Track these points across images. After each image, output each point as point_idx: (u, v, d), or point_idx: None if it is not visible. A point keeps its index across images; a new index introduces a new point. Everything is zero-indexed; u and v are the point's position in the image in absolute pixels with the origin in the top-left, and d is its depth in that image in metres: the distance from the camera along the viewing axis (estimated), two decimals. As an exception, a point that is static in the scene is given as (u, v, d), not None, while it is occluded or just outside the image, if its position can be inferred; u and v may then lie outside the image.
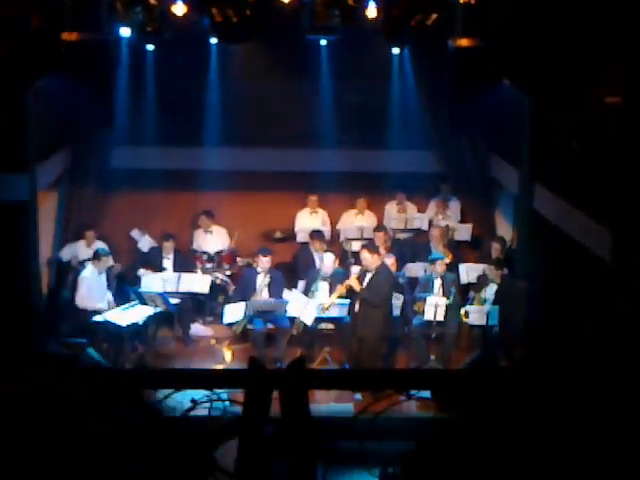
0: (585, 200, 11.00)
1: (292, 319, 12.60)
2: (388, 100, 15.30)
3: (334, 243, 15.09)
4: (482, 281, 13.17)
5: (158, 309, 12.67)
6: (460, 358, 12.59)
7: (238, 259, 14.86)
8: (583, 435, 4.35)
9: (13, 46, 11.32)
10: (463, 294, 13.10)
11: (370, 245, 13.06)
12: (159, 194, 15.43)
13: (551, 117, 12.25)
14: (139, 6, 12.09)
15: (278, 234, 15.50)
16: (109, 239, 14.67)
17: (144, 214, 15.31)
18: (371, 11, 12.61)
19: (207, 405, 4.79)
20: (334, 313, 12.45)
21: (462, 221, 15.55)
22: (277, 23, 13.30)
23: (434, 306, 12.35)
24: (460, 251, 14.88)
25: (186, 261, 14.23)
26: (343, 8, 12.19)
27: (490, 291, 12.97)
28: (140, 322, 12.39)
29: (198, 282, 13.56)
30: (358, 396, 11.35)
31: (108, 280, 13.21)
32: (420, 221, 15.26)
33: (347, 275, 13.10)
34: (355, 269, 13.01)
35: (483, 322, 12.47)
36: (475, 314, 12.55)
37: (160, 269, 13.81)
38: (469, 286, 13.44)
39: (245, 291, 13.14)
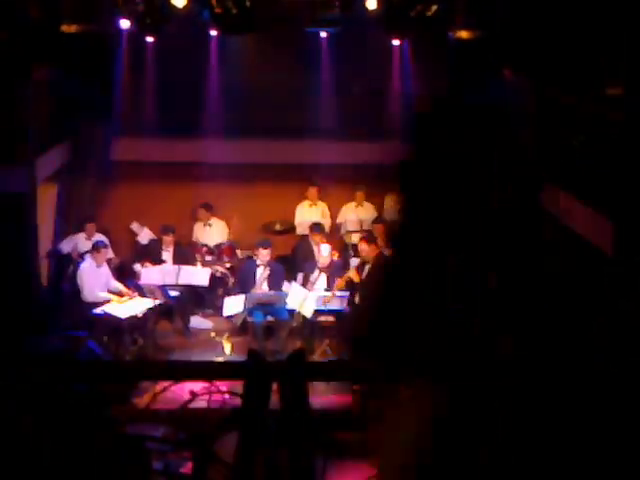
0: (588, 192, 10.98)
1: (292, 311, 12.59)
2: (389, 91, 15.27)
3: (334, 235, 15.06)
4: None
5: (158, 302, 12.67)
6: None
7: (238, 251, 14.86)
8: (577, 425, 4.34)
9: (12, 38, 11.29)
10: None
11: (368, 236, 13.04)
12: (159, 186, 15.41)
13: (553, 108, 12.23)
14: (139, -2, 12.10)
15: (278, 226, 15.48)
16: (109, 231, 14.65)
17: (144, 206, 15.29)
18: (371, 2, 12.58)
19: (206, 397, 4.79)
20: (334, 305, 12.43)
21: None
22: (277, 15, 13.28)
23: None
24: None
25: (186, 254, 14.21)
26: (343, -1, 12.20)
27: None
28: (140, 315, 12.39)
29: (198, 275, 13.54)
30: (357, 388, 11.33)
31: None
32: (420, 213, 15.24)
33: (346, 267, 13.10)
34: (354, 261, 12.99)
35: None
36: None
37: (160, 262, 13.79)
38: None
39: (245, 283, 13.13)
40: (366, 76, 15.18)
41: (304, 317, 12.42)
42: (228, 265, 14.57)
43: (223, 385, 4.70)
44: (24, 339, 11.14)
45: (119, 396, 10.39)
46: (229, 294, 13.28)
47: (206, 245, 14.68)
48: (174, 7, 12.52)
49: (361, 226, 14.83)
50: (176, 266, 13.48)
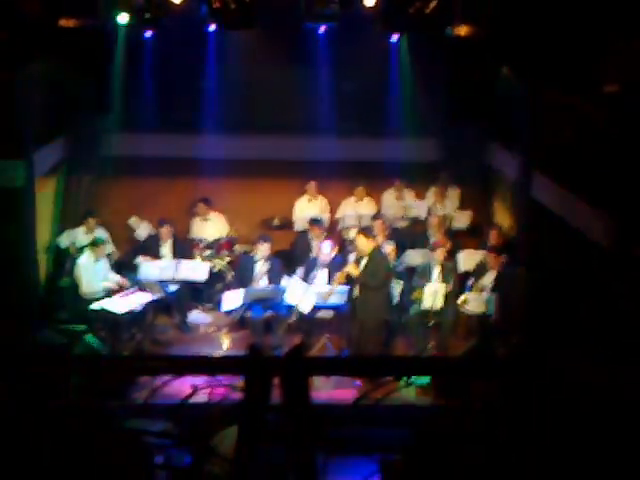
0: (584, 187, 11.00)
1: (290, 306, 12.59)
2: (386, 88, 15.28)
3: (333, 231, 15.07)
4: (480, 269, 13.15)
5: (156, 296, 12.66)
6: (458, 346, 12.59)
7: (236, 246, 14.86)
8: (582, 422, 4.35)
9: (10, 32, 11.28)
10: (461, 282, 13.07)
11: (366, 230, 13.03)
12: (157, 181, 15.40)
13: (550, 104, 12.24)
14: (137, -8, 12.10)
15: (276, 221, 15.49)
16: (107, 226, 14.64)
17: (142, 201, 15.28)
18: (369, -1, 12.60)
19: (206, 392, 4.79)
20: (333, 301, 12.44)
21: (461, 209, 15.53)
22: (275, 10, 13.28)
23: (432, 294, 12.34)
24: (458, 239, 14.84)
25: (184, 248, 14.19)
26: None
27: (488, 279, 12.95)
28: (138, 309, 12.38)
29: (196, 269, 13.53)
30: (358, 383, 11.37)
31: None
32: (418, 209, 15.23)
33: (345, 263, 13.10)
34: (353, 256, 12.99)
35: (481, 310, 12.47)
36: (473, 302, 12.55)
37: (158, 257, 13.78)
38: (467, 274, 13.41)
39: (243, 278, 13.13)
40: (364, 72, 15.18)
41: (303, 312, 12.42)
42: (227, 260, 14.56)
43: (223, 379, 4.70)
44: (23, 334, 11.15)
45: (118, 391, 10.42)
46: (228, 289, 13.27)
47: (204, 240, 14.67)
48: (172, 2, 12.53)
49: (360, 222, 14.83)
50: (175, 261, 13.47)
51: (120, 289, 12.64)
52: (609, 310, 10.02)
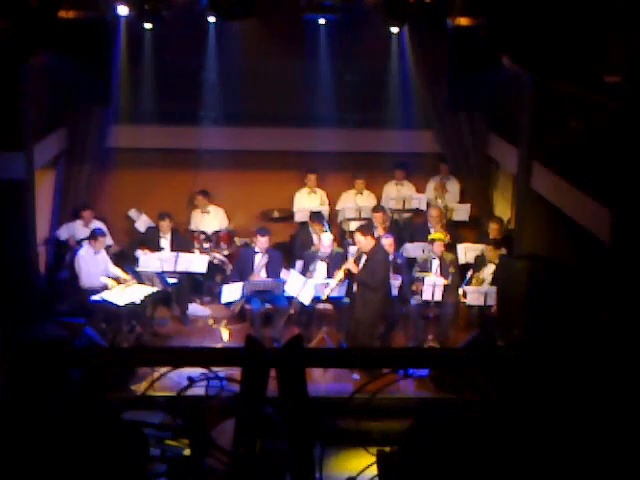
0: (584, 180, 10.98)
1: (290, 299, 12.59)
2: (387, 79, 15.24)
3: (333, 223, 15.06)
4: (480, 261, 13.17)
5: (156, 289, 12.66)
6: (458, 338, 12.60)
7: (236, 239, 14.86)
8: (584, 416, 4.34)
9: (10, 23, 11.25)
10: (461, 274, 13.07)
11: (364, 227, 13.02)
12: (157, 173, 15.38)
13: (551, 95, 12.21)
14: (137, -16, 12.07)
15: (276, 214, 15.48)
16: (106, 218, 14.64)
17: (142, 193, 15.27)
18: (370, -11, 12.56)
19: (204, 383, 4.78)
20: (333, 293, 12.44)
21: (460, 201, 15.52)
22: (276, 1, 13.25)
23: (432, 286, 12.35)
24: (458, 231, 14.85)
25: (184, 241, 14.20)
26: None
27: (488, 271, 12.97)
28: (138, 302, 12.38)
29: (196, 262, 13.53)
30: (356, 375, 11.37)
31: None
32: (419, 201, 15.22)
33: (345, 255, 13.09)
34: (353, 249, 12.99)
35: (481, 302, 12.48)
36: (473, 294, 12.56)
37: (157, 249, 13.77)
38: (467, 266, 13.41)
39: (243, 271, 13.13)
40: (364, 63, 15.15)
41: (302, 304, 12.42)
42: (226, 252, 14.56)
43: (221, 372, 4.69)
44: (22, 326, 11.16)
45: (117, 382, 10.43)
46: (227, 281, 13.27)
47: (204, 232, 14.66)
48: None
49: (360, 214, 14.82)
50: (174, 253, 13.46)
51: (120, 283, 12.65)
52: (608, 304, 10.01)
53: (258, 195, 15.52)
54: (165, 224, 13.93)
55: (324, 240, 13.00)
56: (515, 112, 13.49)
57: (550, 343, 10.21)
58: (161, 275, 12.85)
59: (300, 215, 14.99)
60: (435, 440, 4.23)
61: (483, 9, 12.38)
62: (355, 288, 12.20)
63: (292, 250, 14.41)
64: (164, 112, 15.05)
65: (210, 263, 13.86)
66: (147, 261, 13.25)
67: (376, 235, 13.10)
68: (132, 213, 15.17)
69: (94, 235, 12.95)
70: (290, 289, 12.50)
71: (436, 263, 12.82)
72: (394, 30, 14.12)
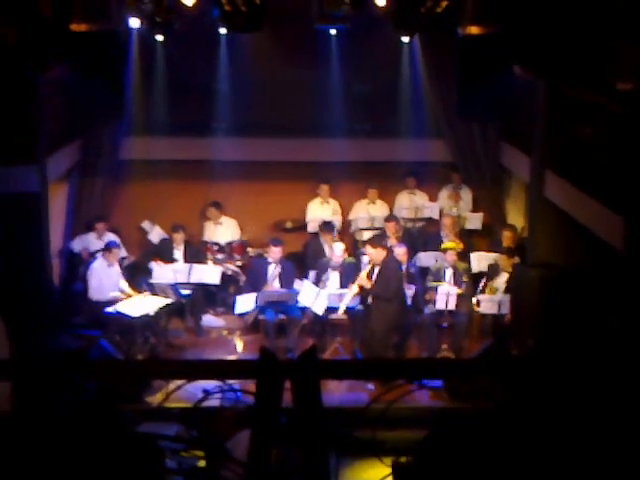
0: (597, 187, 10.96)
1: (303, 309, 12.60)
2: (398, 89, 15.25)
3: (345, 233, 15.07)
4: (493, 270, 13.15)
5: (169, 300, 12.68)
6: (472, 347, 12.59)
7: (249, 249, 14.88)
8: (600, 426, 4.33)
9: (23, 36, 11.30)
10: (475, 283, 13.06)
11: (374, 239, 13.04)
12: (170, 185, 15.41)
13: (563, 103, 12.20)
14: (148, -4, 12.10)
15: (289, 224, 15.50)
16: (120, 230, 14.68)
17: (155, 205, 15.30)
18: (380, -1, 12.57)
19: (219, 395, 4.79)
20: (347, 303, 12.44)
21: (473, 210, 15.50)
22: (287, 12, 13.28)
23: (445, 295, 12.34)
24: (471, 240, 14.83)
25: (197, 252, 14.22)
26: (353, -4, 12.18)
27: (501, 280, 12.95)
28: (152, 313, 12.40)
29: (209, 273, 13.57)
30: (370, 385, 11.36)
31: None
32: (431, 210, 15.21)
33: (358, 265, 13.09)
34: (366, 259, 12.99)
35: (495, 311, 12.46)
36: (487, 303, 12.54)
37: (171, 260, 13.80)
38: (480, 275, 13.39)
39: (256, 281, 13.15)
40: (376, 73, 15.15)
41: (316, 315, 12.42)
42: (239, 263, 14.58)
43: (236, 383, 4.71)
44: (37, 338, 11.18)
45: (132, 395, 10.45)
46: (240, 292, 13.29)
47: (217, 243, 14.68)
48: (184, 5, 12.52)
49: (373, 223, 14.82)
50: (187, 264, 13.50)
51: (129, 297, 12.69)
52: (622, 311, 9.98)
53: (270, 206, 15.54)
54: (179, 236, 13.98)
55: (336, 249, 13.02)
56: (527, 120, 13.48)
57: (564, 351, 10.18)
58: (175, 286, 12.88)
59: (313, 225, 15.01)
60: (450, 450, 4.23)
61: (494, 17, 12.37)
62: (370, 299, 12.21)
63: (305, 260, 14.42)
64: (176, 124, 15.08)
65: (223, 274, 13.89)
66: (161, 273, 13.29)
67: (389, 245, 13.11)
68: (145, 225, 15.20)
69: (108, 248, 12.99)
70: (303, 299, 12.51)
71: (449, 272, 12.81)
72: (405, 39, 14.13)
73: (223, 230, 15.00)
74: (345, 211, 15.54)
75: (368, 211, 15.25)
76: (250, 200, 15.48)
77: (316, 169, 15.59)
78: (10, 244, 11.78)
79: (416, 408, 10.07)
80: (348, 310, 12.51)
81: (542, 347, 11.41)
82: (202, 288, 13.69)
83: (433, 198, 15.64)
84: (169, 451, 4.74)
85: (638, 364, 4.67)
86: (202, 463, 4.84)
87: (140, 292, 12.79)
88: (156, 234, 14.97)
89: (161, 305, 12.54)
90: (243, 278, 14.24)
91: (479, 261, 13.70)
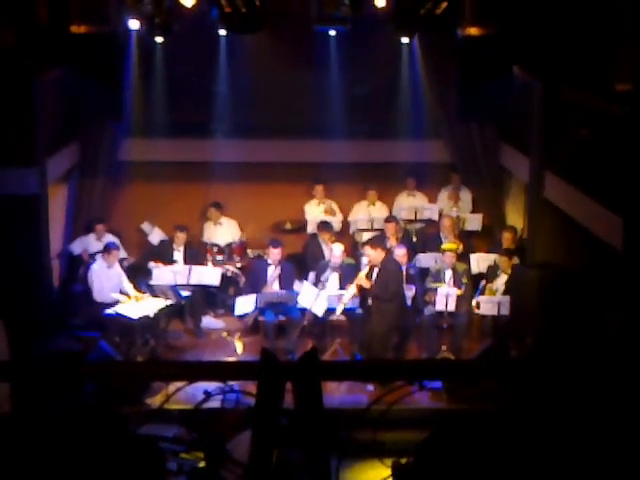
0: (597, 188, 10.97)
1: (303, 310, 12.60)
2: (397, 90, 15.25)
3: (345, 234, 15.07)
4: (493, 271, 13.14)
5: (169, 302, 12.68)
6: (472, 348, 12.59)
7: (248, 251, 14.87)
8: (600, 425, 4.33)
9: (21, 38, 11.31)
10: (474, 284, 13.06)
11: (373, 240, 13.04)
12: (169, 186, 15.41)
13: (562, 104, 12.21)
14: (147, -2, 12.11)
15: (288, 225, 15.49)
16: (119, 232, 14.67)
17: (154, 206, 15.29)
18: (380, 0, 12.57)
19: (220, 397, 4.79)
20: (346, 304, 12.44)
21: (473, 211, 15.50)
22: (286, 14, 13.28)
23: (445, 296, 12.34)
24: (471, 241, 14.84)
25: (196, 253, 14.21)
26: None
27: (501, 281, 12.94)
28: (151, 315, 12.40)
29: (209, 274, 13.56)
30: (370, 387, 11.37)
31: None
32: (430, 211, 15.20)
33: (357, 267, 13.09)
34: (365, 260, 12.99)
35: (494, 312, 12.46)
36: (486, 304, 12.53)
37: (171, 262, 13.80)
38: (480, 276, 13.39)
39: (256, 283, 13.14)
40: (375, 74, 15.15)
41: (315, 316, 12.43)
42: (239, 264, 14.58)
43: (236, 385, 4.71)
44: (36, 340, 11.19)
45: (132, 396, 10.45)
46: (240, 294, 13.29)
47: (217, 245, 14.68)
48: (183, 7, 12.53)
49: (372, 225, 14.81)
50: (187, 266, 13.49)
51: (131, 298, 12.69)
52: (621, 311, 9.99)
53: (270, 207, 15.53)
54: (181, 236, 13.95)
55: (335, 250, 13.01)
56: (526, 121, 13.49)
57: (564, 351, 10.19)
58: (174, 288, 12.88)
59: (312, 226, 15.00)
60: (450, 451, 4.23)
61: (493, 19, 12.39)
62: (370, 301, 12.22)
63: (304, 262, 14.42)
64: (176, 125, 15.08)
65: (223, 275, 13.89)
66: (160, 274, 13.29)
67: (388, 246, 13.11)
68: (145, 226, 15.20)
69: (107, 249, 12.99)
70: (303, 301, 12.51)
71: (449, 273, 12.82)
72: (404, 40, 14.13)
73: (223, 231, 15.00)
74: (345, 212, 15.54)
75: (368, 212, 15.24)
76: (249, 201, 15.48)
77: (315, 170, 15.59)
78: (10, 246, 11.80)
79: (416, 409, 10.08)
80: (347, 312, 12.51)
81: (542, 347, 11.42)
82: (202, 289, 13.68)
83: (432, 199, 15.64)
84: (170, 453, 4.75)
85: (637, 364, 4.68)
86: (203, 464, 4.85)
87: (141, 293, 12.81)
88: (156, 235, 14.96)
89: (161, 307, 12.54)
90: (243, 279, 14.24)
91: (479, 262, 13.70)
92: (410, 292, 12.59)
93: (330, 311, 12.43)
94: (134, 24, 12.82)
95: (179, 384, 4.70)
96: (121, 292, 12.80)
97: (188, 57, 14.53)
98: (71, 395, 4.72)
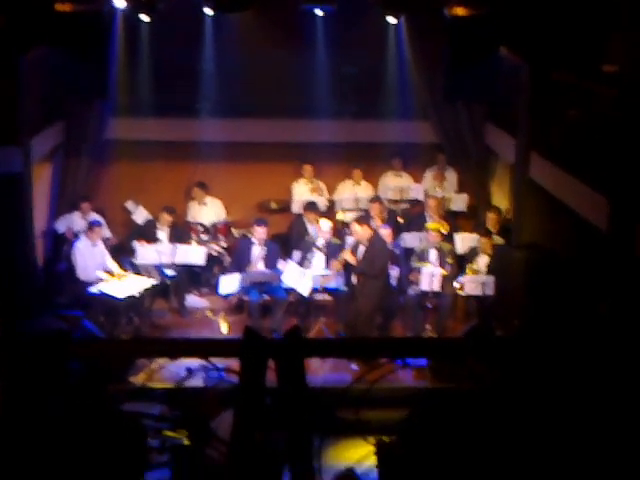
0: (582, 169, 10.98)
1: (288, 290, 12.60)
2: (384, 70, 15.21)
3: (330, 213, 15.05)
4: (473, 252, 13.15)
5: (154, 281, 12.66)
6: (456, 328, 12.61)
7: (233, 230, 14.85)
8: (582, 406, 4.34)
9: (5, 17, 11.23)
10: (459, 264, 13.06)
11: (360, 217, 13.03)
12: (154, 165, 15.36)
13: (549, 85, 12.20)
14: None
15: (274, 205, 15.47)
16: (104, 211, 14.63)
17: (140, 185, 15.25)
18: (367, -20, 12.53)
19: (203, 375, 4.79)
20: (331, 284, 12.46)
21: (458, 191, 15.49)
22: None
23: (430, 276, 12.34)
24: (456, 221, 14.83)
25: (181, 233, 14.17)
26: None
27: (483, 261, 12.95)
28: (136, 294, 12.38)
29: (193, 253, 13.53)
30: (354, 365, 11.38)
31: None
32: (416, 191, 15.19)
33: (342, 246, 13.08)
34: (350, 240, 12.99)
35: (479, 292, 12.45)
36: (470, 284, 12.52)
37: (155, 241, 13.75)
38: (465, 257, 13.40)
39: (240, 262, 13.13)
40: (362, 54, 15.10)
41: (300, 295, 12.42)
42: (224, 244, 14.55)
43: (219, 363, 4.70)
44: (20, 319, 11.15)
45: (115, 374, 10.43)
46: (225, 273, 13.27)
47: (201, 224, 14.64)
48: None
49: (357, 204, 14.80)
50: (172, 245, 13.46)
51: (115, 277, 12.66)
52: (607, 292, 10.02)
53: (255, 186, 15.50)
54: (167, 217, 13.87)
55: (322, 225, 13.00)
56: (513, 102, 13.48)
57: (548, 332, 10.21)
58: (159, 267, 12.85)
59: (297, 206, 14.96)
60: (433, 429, 4.24)
61: (480, -1, 12.36)
62: (355, 279, 12.22)
63: (290, 241, 14.40)
64: (161, 104, 15.00)
65: (208, 255, 13.86)
66: (145, 253, 13.24)
67: (373, 226, 13.10)
68: (129, 205, 15.15)
69: (91, 226, 12.95)
70: (288, 280, 12.51)
71: (434, 253, 12.81)
72: (392, 21, 14.07)
73: (207, 210, 14.96)
74: (331, 192, 15.52)
75: (353, 192, 15.22)
76: (235, 181, 15.44)
77: (301, 150, 15.55)
78: (-7, 224, 11.75)
79: (400, 388, 10.11)
80: (332, 291, 12.52)
81: (527, 328, 11.44)
82: (186, 269, 13.65)
83: (418, 179, 15.62)
84: (153, 430, 4.75)
85: (623, 344, 4.69)
86: (186, 442, 4.85)
87: (127, 272, 12.79)
88: (140, 214, 14.91)
89: (145, 286, 12.52)
90: (228, 259, 14.23)
91: (463, 242, 13.71)
92: (394, 272, 12.60)
93: (315, 291, 12.43)
94: (120, 2, 12.73)
95: (162, 362, 4.70)
96: (105, 270, 12.76)
97: (174, 36, 14.42)
98: (56, 374, 4.71)
